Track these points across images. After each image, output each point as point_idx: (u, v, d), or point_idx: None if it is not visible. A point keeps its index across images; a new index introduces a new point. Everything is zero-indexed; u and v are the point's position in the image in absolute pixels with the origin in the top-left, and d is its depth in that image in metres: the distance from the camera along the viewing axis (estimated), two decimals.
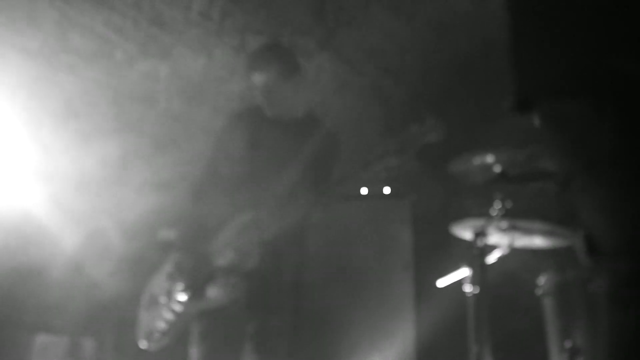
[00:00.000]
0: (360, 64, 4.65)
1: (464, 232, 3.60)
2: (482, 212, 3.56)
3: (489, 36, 3.98)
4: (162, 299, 3.36)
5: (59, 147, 4.47)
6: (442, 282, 3.95)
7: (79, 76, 4.48)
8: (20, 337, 4.55)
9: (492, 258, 3.59)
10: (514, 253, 3.62)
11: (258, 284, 3.22)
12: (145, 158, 4.88)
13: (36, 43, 4.24)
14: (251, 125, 3.48)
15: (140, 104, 4.79)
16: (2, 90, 4.28)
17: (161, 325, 3.31)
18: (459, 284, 3.72)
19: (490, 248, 3.59)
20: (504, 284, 4.09)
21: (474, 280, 3.58)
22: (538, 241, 3.61)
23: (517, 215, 3.46)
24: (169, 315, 3.29)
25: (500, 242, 3.58)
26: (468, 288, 3.62)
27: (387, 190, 4.94)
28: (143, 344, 3.39)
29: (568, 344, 3.24)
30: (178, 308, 3.27)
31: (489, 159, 3.48)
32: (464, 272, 3.68)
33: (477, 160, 3.51)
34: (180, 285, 3.28)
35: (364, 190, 4.95)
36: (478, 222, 3.51)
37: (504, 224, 3.45)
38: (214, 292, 3.21)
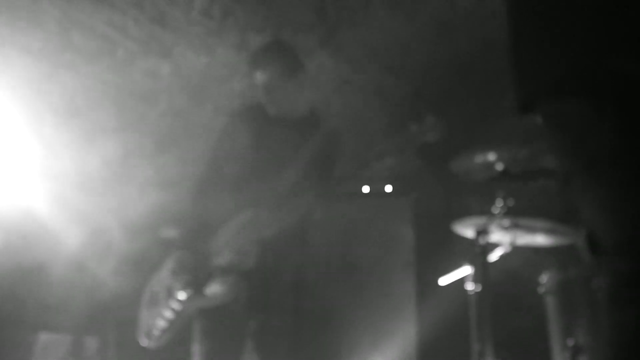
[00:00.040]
0: (361, 62, 4.64)
1: (466, 230, 3.60)
2: (484, 210, 3.56)
3: (490, 34, 3.98)
4: (163, 297, 3.36)
5: (61, 145, 4.48)
6: (444, 280, 3.96)
7: (80, 75, 4.49)
8: (22, 336, 4.56)
9: (494, 256, 3.59)
10: (516, 251, 3.62)
11: (259, 283, 3.23)
12: (147, 156, 4.88)
13: (38, 42, 4.24)
14: (253, 124, 3.48)
15: (142, 102, 4.79)
16: (4, 89, 4.29)
17: (161, 323, 3.31)
18: (461, 282, 3.73)
19: (492, 246, 3.59)
20: (506, 282, 4.09)
21: (476, 279, 3.58)
22: (540, 239, 3.61)
23: (519, 213, 3.46)
24: (168, 314, 3.29)
25: (502, 240, 3.58)
26: (470, 286, 3.62)
27: (389, 188, 4.94)
28: (144, 342, 3.40)
29: (570, 342, 3.24)
30: (178, 306, 3.27)
31: (491, 157, 3.48)
32: (466, 270, 3.68)
33: (479, 158, 3.51)
34: (180, 284, 3.29)
35: (365, 189, 4.96)
36: (480, 220, 3.51)
37: (506, 222, 3.45)
38: (213, 291, 3.21)
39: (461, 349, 3.69)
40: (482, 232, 3.51)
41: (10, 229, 4.36)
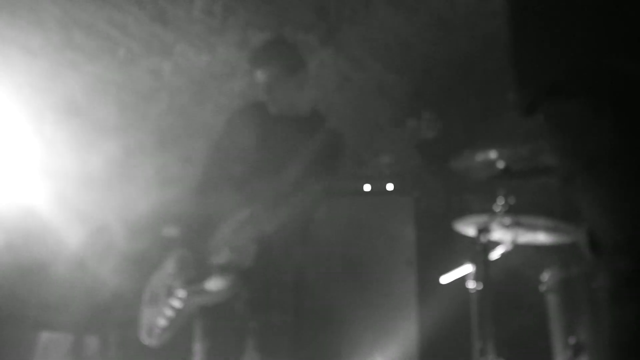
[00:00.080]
0: (363, 60, 4.64)
1: (467, 228, 3.60)
2: (485, 208, 3.56)
3: (492, 32, 3.97)
4: (163, 296, 3.36)
5: (62, 144, 4.47)
6: (445, 279, 3.96)
7: (81, 73, 4.49)
8: (23, 335, 4.56)
9: (495, 254, 3.59)
10: (518, 249, 3.62)
11: (260, 282, 3.23)
12: (148, 155, 4.88)
13: (39, 41, 4.25)
14: (255, 122, 3.48)
15: (143, 101, 4.79)
16: (6, 88, 4.29)
17: (162, 321, 3.31)
18: (462, 280, 3.73)
19: (494, 244, 3.59)
20: (508, 281, 4.09)
21: (477, 277, 3.58)
22: (542, 237, 3.61)
23: (521, 211, 3.45)
24: (169, 312, 3.29)
25: (503, 239, 3.58)
26: (471, 284, 3.62)
27: (390, 187, 4.94)
28: (145, 340, 3.40)
29: (572, 340, 3.23)
30: (178, 304, 3.27)
31: (492, 154, 3.48)
32: (467, 269, 3.68)
33: (480, 156, 3.51)
34: (179, 282, 3.29)
35: (367, 187, 4.95)
36: (481, 219, 3.51)
37: (508, 220, 3.44)
38: (212, 287, 3.21)
39: (462, 347, 3.70)
40: (483, 230, 3.51)
41: (11, 228, 4.36)
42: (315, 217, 3.50)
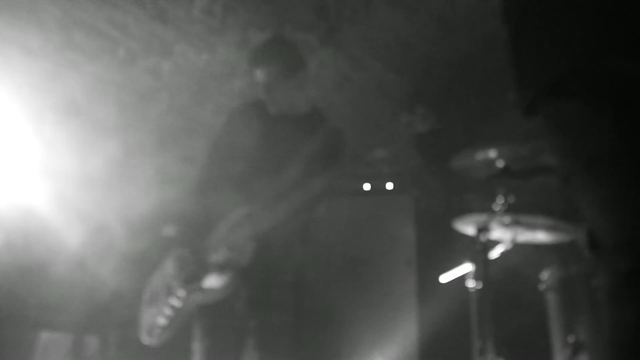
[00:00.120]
0: (363, 60, 4.65)
1: (467, 227, 3.60)
2: (484, 207, 3.56)
3: (492, 32, 3.98)
4: (162, 295, 3.37)
5: (62, 144, 4.47)
6: (444, 278, 3.96)
7: (81, 73, 4.49)
8: (23, 335, 4.56)
9: (495, 253, 3.59)
10: (517, 248, 3.62)
11: (259, 281, 3.23)
12: (148, 155, 4.88)
13: (39, 41, 4.25)
14: (254, 122, 3.47)
15: (143, 100, 4.80)
16: (6, 88, 4.29)
17: (162, 321, 3.32)
18: (461, 279, 3.73)
19: (493, 243, 3.59)
20: (507, 280, 4.09)
21: (476, 276, 3.59)
22: (541, 236, 3.61)
23: (520, 210, 3.46)
24: (169, 311, 3.30)
25: (503, 237, 3.59)
26: (471, 283, 3.62)
27: (389, 186, 4.94)
28: (145, 340, 3.41)
29: (571, 339, 3.24)
30: (177, 303, 3.28)
31: (492, 154, 3.48)
32: (466, 268, 3.68)
33: (479, 156, 3.51)
34: (178, 281, 3.29)
35: (366, 186, 4.96)
36: (481, 218, 3.51)
37: (507, 219, 3.45)
38: (211, 286, 3.22)
39: (462, 346, 3.70)
40: (483, 229, 3.51)
41: (10, 228, 4.36)
42: (315, 216, 3.50)
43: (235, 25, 4.35)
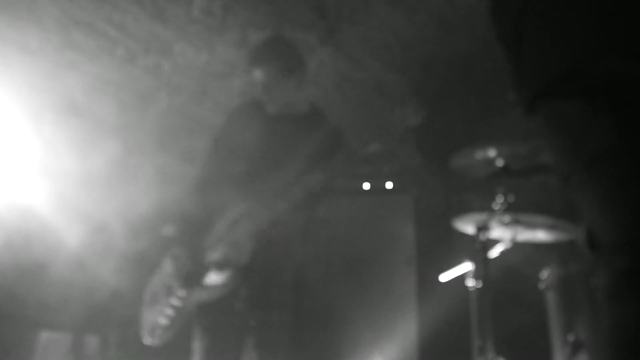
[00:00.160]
0: (362, 59, 4.65)
1: (467, 226, 3.61)
2: (484, 206, 3.56)
3: (490, 32, 3.98)
4: (163, 295, 3.37)
5: (62, 144, 4.47)
6: (444, 277, 3.96)
7: (81, 73, 4.49)
8: (23, 335, 4.56)
9: (494, 252, 3.60)
10: (517, 247, 3.62)
11: (259, 281, 3.23)
12: (148, 154, 4.89)
13: (38, 40, 4.25)
14: (253, 121, 3.47)
15: (143, 100, 4.80)
16: (6, 88, 4.29)
17: (163, 321, 3.32)
18: (461, 278, 3.73)
19: (493, 242, 3.59)
20: (507, 279, 4.09)
21: (476, 275, 3.59)
22: (541, 235, 3.61)
23: (520, 209, 3.46)
24: (169, 311, 3.30)
25: (502, 236, 3.59)
26: (471, 282, 3.63)
27: (389, 185, 4.95)
28: (147, 340, 3.41)
29: (571, 338, 3.24)
30: (177, 303, 3.28)
31: (491, 153, 3.48)
32: (466, 267, 3.68)
33: (479, 155, 3.52)
34: (178, 281, 3.30)
35: (366, 186, 4.96)
36: (480, 217, 3.51)
37: (507, 218, 3.45)
38: (210, 285, 3.22)
39: (462, 345, 3.70)
40: (482, 228, 3.51)
41: (10, 228, 4.36)
42: (315, 216, 3.50)
43: (234, 24, 4.35)
